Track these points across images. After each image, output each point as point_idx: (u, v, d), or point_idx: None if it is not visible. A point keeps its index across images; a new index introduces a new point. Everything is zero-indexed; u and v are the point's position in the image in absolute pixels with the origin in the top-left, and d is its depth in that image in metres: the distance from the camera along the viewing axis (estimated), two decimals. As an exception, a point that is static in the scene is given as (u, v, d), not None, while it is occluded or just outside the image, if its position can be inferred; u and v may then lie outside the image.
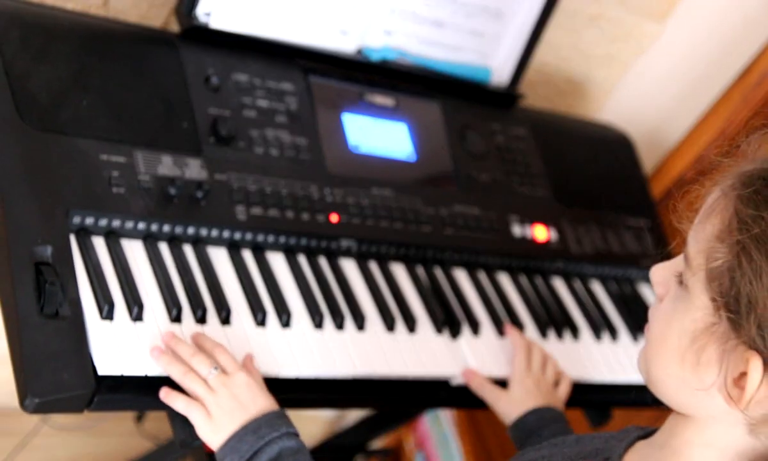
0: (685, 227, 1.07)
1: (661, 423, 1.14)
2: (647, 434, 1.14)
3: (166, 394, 1.26)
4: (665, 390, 1.08)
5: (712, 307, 1.01)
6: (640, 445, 1.13)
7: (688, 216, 1.07)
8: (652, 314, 1.10)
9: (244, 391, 1.26)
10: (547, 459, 1.16)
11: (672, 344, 1.05)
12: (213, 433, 1.25)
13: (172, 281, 1.37)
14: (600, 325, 1.75)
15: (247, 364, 1.32)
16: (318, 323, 1.45)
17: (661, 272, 1.09)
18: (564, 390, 1.57)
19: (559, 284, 1.80)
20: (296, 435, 1.26)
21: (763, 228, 0.99)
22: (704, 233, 1.03)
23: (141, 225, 1.39)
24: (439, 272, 1.65)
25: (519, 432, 1.48)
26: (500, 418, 1.52)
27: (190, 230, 1.43)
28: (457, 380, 1.53)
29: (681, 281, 1.05)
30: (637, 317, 1.82)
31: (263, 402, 1.27)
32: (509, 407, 1.51)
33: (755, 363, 0.98)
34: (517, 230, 1.75)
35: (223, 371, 1.27)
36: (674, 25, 2.27)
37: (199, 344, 1.31)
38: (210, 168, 1.47)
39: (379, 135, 1.68)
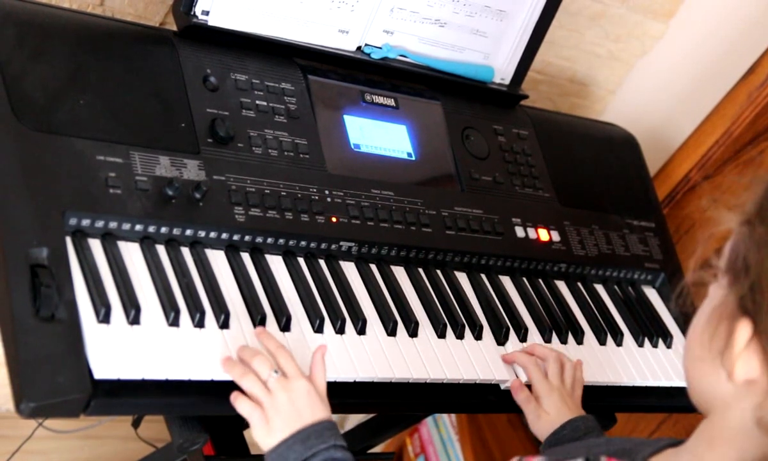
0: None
1: (667, 426, 1.14)
2: (679, 443, 1.14)
3: (234, 397, 1.29)
4: (691, 380, 1.09)
5: (726, 280, 1.04)
6: (669, 452, 1.13)
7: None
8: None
9: (302, 398, 1.28)
10: (572, 455, 1.16)
11: (698, 328, 1.07)
12: (266, 435, 1.27)
13: (169, 284, 1.35)
14: (603, 329, 1.74)
15: (315, 366, 1.33)
16: (318, 326, 1.43)
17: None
18: (578, 394, 1.58)
19: (562, 287, 1.78)
20: (344, 447, 1.27)
21: None
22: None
23: (138, 227, 1.37)
24: (440, 275, 1.64)
25: (554, 446, 1.49)
26: (536, 435, 1.54)
27: (188, 232, 1.42)
28: (454, 381, 1.52)
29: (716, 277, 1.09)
30: (641, 320, 1.81)
31: (319, 412, 1.28)
32: (545, 426, 1.52)
33: (743, 325, 1.00)
34: (519, 231, 1.74)
35: (284, 375, 1.29)
36: (678, 24, 2.26)
37: (264, 344, 1.33)
38: (208, 169, 1.45)
39: (379, 135, 1.67)
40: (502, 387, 1.56)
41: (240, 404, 1.29)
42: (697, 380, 1.08)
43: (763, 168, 2.01)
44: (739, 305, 1.01)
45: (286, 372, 1.30)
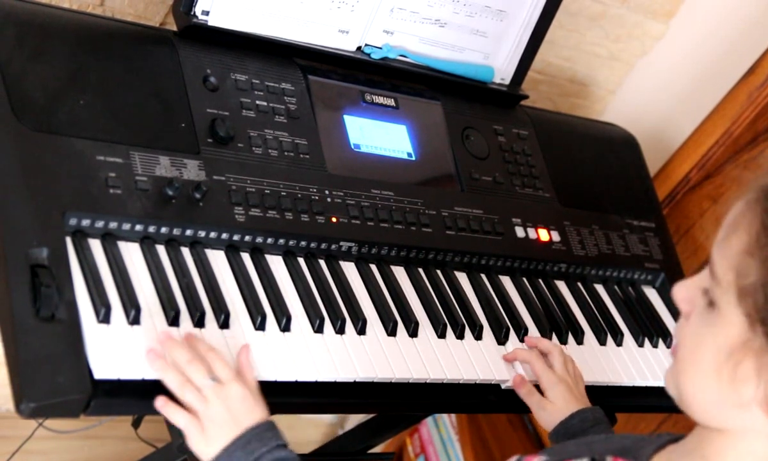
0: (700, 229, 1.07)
1: (667, 426, 1.13)
2: (679, 438, 1.13)
3: (163, 404, 1.25)
4: (699, 407, 1.07)
5: (746, 323, 1.00)
6: (671, 448, 1.13)
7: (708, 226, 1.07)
8: (680, 333, 1.08)
9: (238, 403, 1.24)
10: (574, 454, 1.15)
11: (706, 361, 1.03)
12: (204, 445, 1.24)
13: (169, 284, 1.35)
14: (603, 329, 1.74)
15: (243, 368, 1.29)
16: (318, 326, 1.43)
17: (685, 289, 1.08)
18: (581, 387, 1.58)
19: (562, 287, 1.78)
20: (286, 446, 1.24)
21: None
22: (731, 248, 1.02)
23: (138, 227, 1.37)
24: (440, 275, 1.64)
25: (562, 436, 1.49)
26: (542, 426, 1.54)
27: (188, 232, 1.42)
28: (455, 381, 1.52)
29: (708, 297, 1.04)
30: (641, 320, 1.81)
31: (256, 414, 1.25)
32: (552, 416, 1.52)
33: None
34: (519, 232, 1.74)
35: (218, 380, 1.25)
36: (678, 24, 2.26)
37: (194, 347, 1.29)
38: (208, 169, 1.45)
39: (379, 135, 1.66)
40: (503, 386, 1.56)
41: (172, 413, 1.24)
42: (712, 415, 1.06)
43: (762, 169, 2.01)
44: None
45: (220, 377, 1.25)
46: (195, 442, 1.24)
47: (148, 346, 1.27)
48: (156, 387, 1.26)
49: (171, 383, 1.25)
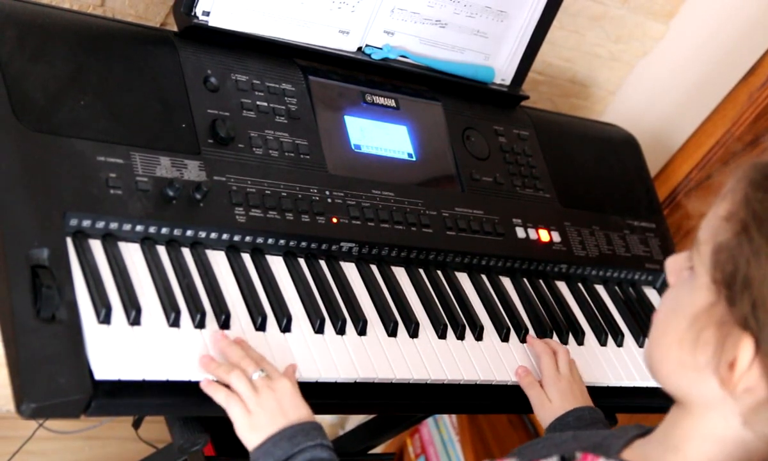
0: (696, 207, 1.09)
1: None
2: (646, 432, 1.14)
3: (207, 384, 1.28)
4: (663, 372, 1.09)
5: (712, 286, 1.02)
6: (639, 442, 1.14)
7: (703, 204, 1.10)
8: (661, 300, 1.12)
9: (287, 397, 1.28)
10: (543, 454, 1.16)
11: (673, 325, 1.06)
12: (250, 431, 1.27)
13: (170, 285, 1.35)
14: (604, 329, 1.74)
15: (289, 374, 1.33)
16: (318, 327, 1.43)
17: (674, 261, 1.11)
18: (583, 388, 1.59)
19: (563, 288, 1.78)
20: (330, 447, 1.27)
21: (767, 209, 1.00)
22: (714, 216, 1.05)
23: (139, 227, 1.37)
24: (440, 275, 1.64)
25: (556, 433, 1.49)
26: (539, 421, 1.55)
27: (189, 233, 1.42)
28: (455, 382, 1.52)
29: (690, 263, 1.07)
30: (641, 321, 1.81)
31: (303, 412, 1.29)
32: (550, 413, 1.53)
33: (746, 343, 1.00)
34: (520, 232, 1.74)
35: (269, 376, 1.29)
36: (678, 25, 2.26)
37: (243, 348, 1.33)
38: (209, 169, 1.45)
39: (380, 136, 1.67)
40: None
41: (217, 393, 1.28)
42: (675, 381, 1.07)
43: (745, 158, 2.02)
44: (740, 322, 1.00)
45: (270, 373, 1.30)
46: (241, 426, 1.27)
47: (148, 347, 1.27)
48: (157, 387, 1.27)
49: (221, 373, 1.28)
